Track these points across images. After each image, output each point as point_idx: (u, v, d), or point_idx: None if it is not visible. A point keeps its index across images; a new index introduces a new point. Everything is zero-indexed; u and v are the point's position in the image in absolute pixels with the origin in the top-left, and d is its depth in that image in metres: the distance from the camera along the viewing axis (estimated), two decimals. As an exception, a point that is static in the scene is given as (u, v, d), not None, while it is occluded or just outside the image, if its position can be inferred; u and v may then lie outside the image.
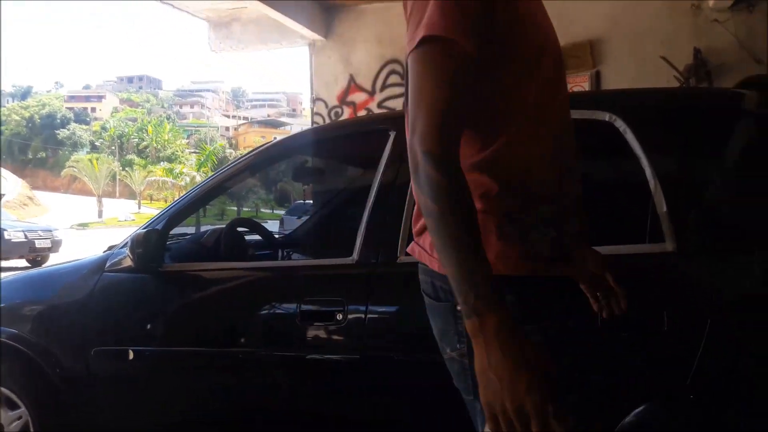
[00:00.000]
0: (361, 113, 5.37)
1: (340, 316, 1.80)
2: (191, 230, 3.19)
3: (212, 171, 32.95)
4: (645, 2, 4.51)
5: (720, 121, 1.71)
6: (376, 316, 1.81)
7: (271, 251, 2.86)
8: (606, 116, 1.73)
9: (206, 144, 43.12)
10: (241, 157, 2.37)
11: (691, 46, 4.29)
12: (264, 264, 2.49)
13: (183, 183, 35.22)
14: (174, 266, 2.21)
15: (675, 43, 4.39)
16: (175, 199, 2.44)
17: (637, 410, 1.50)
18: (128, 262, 2.11)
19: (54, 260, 11.72)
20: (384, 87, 5.32)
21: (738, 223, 1.57)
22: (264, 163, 2.47)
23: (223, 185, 2.32)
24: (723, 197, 1.62)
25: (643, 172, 1.63)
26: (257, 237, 2.88)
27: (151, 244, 2.06)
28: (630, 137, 1.68)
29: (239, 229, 2.70)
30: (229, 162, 2.53)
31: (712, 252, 1.56)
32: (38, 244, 13.20)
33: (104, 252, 2.34)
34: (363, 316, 1.79)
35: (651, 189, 1.61)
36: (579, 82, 4.61)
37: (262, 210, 34.11)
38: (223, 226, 2.56)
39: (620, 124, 1.71)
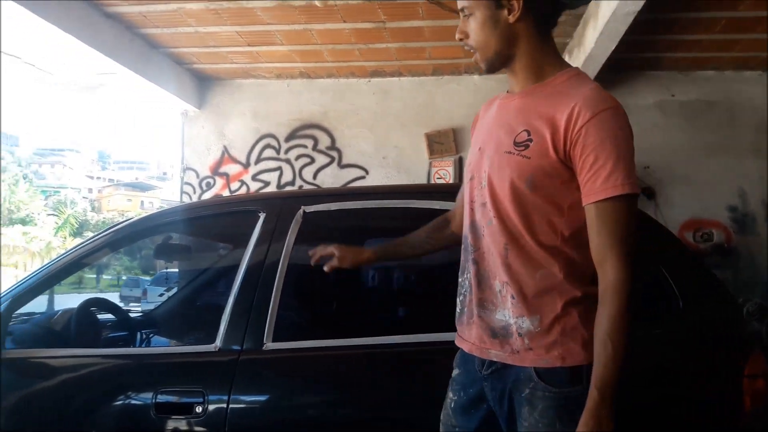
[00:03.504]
0: (234, 185, 5.31)
1: (199, 409, 1.72)
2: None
3: (70, 236, 30.34)
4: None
5: None
6: (240, 407, 1.75)
7: (127, 333, 2.67)
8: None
9: (65, 207, 39.81)
10: (100, 233, 2.25)
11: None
12: (117, 351, 2.31)
13: (37, 249, 31.97)
14: (17, 352, 2.01)
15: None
16: (25, 275, 2.24)
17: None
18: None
19: None
20: (259, 160, 5.32)
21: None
22: (124, 240, 2.35)
23: (78, 263, 2.17)
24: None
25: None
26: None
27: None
28: None
29: (92, 309, 2.51)
30: (87, 237, 2.38)
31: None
32: None
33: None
34: (225, 407, 1.72)
35: None
36: (444, 166, 4.95)
37: (124, 277, 31.55)
38: (74, 307, 2.37)
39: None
